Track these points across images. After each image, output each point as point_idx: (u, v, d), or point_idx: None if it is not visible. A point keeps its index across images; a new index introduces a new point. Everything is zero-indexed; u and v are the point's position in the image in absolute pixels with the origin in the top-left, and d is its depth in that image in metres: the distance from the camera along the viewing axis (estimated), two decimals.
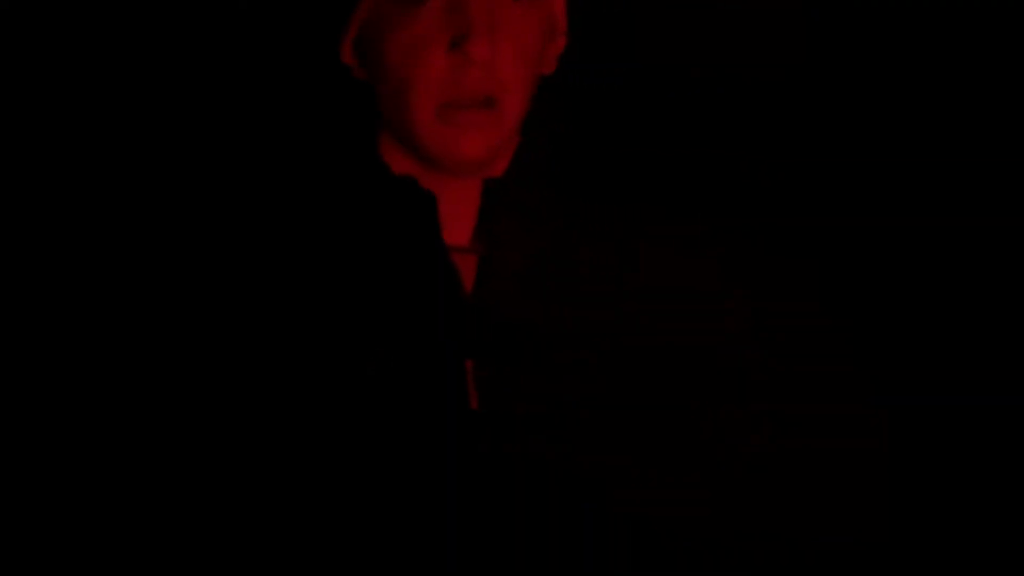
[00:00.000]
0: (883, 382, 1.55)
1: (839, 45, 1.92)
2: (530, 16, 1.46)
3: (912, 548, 1.55)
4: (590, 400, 1.44)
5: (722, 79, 1.92)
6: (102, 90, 1.85)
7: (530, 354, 1.45)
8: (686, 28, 1.94)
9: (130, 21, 1.86)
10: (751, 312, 1.51)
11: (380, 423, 1.43)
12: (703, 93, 1.91)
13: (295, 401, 1.44)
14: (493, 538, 1.42)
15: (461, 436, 1.43)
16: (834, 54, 1.92)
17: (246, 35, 1.84)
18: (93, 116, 1.85)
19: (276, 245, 1.50)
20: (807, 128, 1.92)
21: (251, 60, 1.83)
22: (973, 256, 1.86)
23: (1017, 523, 1.75)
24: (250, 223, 1.52)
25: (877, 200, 1.89)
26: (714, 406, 1.48)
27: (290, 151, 1.59)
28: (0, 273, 1.76)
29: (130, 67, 1.85)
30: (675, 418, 1.46)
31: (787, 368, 1.50)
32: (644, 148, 1.81)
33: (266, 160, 1.59)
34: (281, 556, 1.43)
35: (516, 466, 1.43)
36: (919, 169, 1.90)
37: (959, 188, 1.88)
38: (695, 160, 1.87)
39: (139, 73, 1.86)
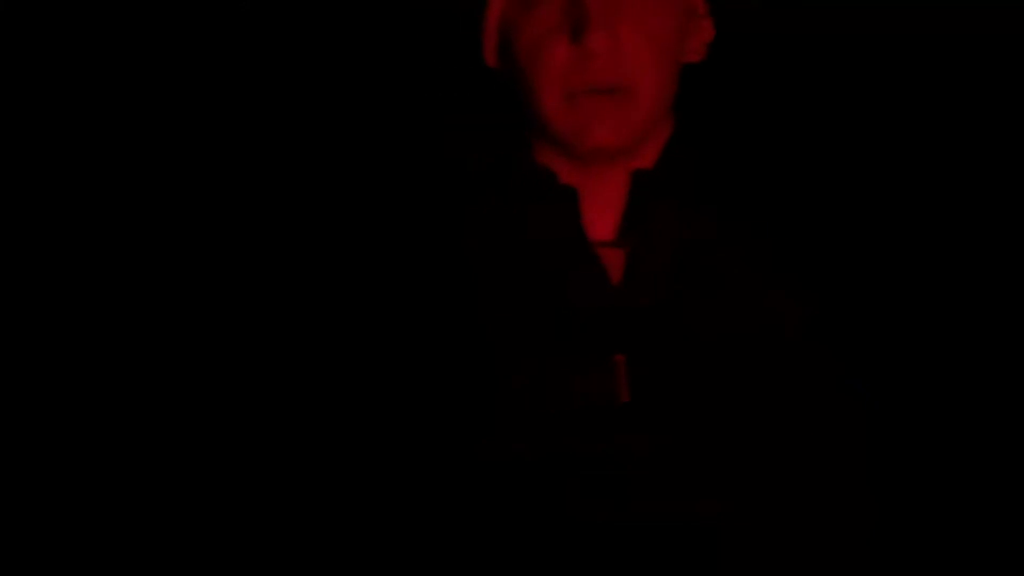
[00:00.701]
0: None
1: None
2: (662, 3, 1.47)
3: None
4: (739, 393, 1.44)
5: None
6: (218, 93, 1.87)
7: (680, 348, 1.45)
8: None
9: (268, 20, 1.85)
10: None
11: (528, 421, 1.43)
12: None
13: (433, 395, 1.45)
14: (643, 530, 1.41)
15: (613, 431, 1.42)
16: None
17: (400, 36, 1.85)
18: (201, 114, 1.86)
19: (422, 241, 1.51)
20: None
21: (405, 60, 1.85)
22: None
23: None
24: (399, 218, 1.53)
25: None
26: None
27: (441, 150, 1.59)
28: (4, 273, 1.76)
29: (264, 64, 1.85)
30: (825, 417, 1.46)
31: None
32: (804, 140, 1.79)
33: (415, 159, 1.59)
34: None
35: (665, 460, 1.42)
36: None
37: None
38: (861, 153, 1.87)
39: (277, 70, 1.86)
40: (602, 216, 1.50)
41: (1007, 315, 1.69)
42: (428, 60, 1.78)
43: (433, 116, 1.77)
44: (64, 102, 1.86)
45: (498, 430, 1.43)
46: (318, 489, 1.45)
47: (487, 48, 1.53)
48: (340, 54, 1.85)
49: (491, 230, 1.50)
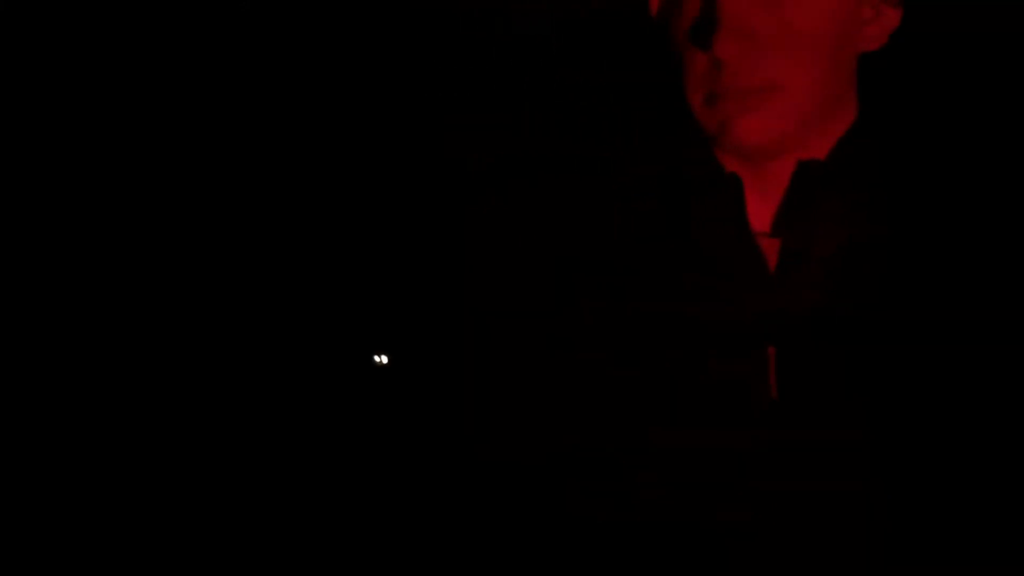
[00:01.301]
0: None
1: None
2: None
3: None
4: (888, 392, 1.40)
5: None
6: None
7: (832, 343, 1.41)
8: None
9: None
10: None
11: (674, 407, 1.41)
12: None
13: (586, 377, 1.43)
14: (785, 522, 1.39)
15: (762, 425, 1.40)
16: None
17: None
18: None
19: (582, 226, 1.49)
20: None
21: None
22: None
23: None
24: (554, 202, 1.50)
25: None
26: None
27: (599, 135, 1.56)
28: (4, 273, 1.75)
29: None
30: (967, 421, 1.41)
31: None
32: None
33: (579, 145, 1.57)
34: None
35: (810, 456, 1.39)
36: None
37: None
38: None
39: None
40: (765, 206, 1.47)
41: None
42: (428, 60, 1.73)
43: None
44: (64, 102, 1.85)
45: (640, 416, 1.41)
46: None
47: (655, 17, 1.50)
48: (340, 54, 1.84)
49: (656, 216, 1.48)
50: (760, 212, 1.46)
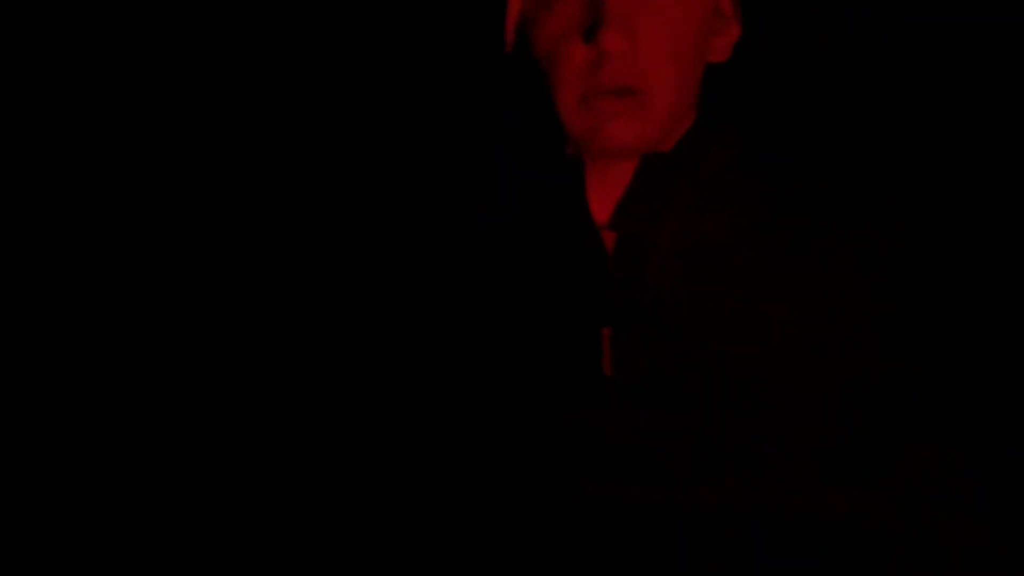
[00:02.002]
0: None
1: None
2: (684, 3, 1.46)
3: None
4: (721, 372, 1.45)
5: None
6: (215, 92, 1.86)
7: (665, 324, 1.46)
8: None
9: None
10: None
11: (512, 387, 1.46)
12: None
13: (429, 371, 1.48)
14: (619, 505, 1.43)
15: (594, 401, 1.44)
16: None
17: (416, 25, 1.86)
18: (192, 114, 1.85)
19: (424, 218, 1.53)
20: None
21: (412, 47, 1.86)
22: None
23: None
24: (401, 198, 1.55)
25: None
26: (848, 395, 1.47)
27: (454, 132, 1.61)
28: (4, 273, 1.76)
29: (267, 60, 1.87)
30: (806, 402, 1.45)
31: None
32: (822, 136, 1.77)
33: (421, 139, 1.62)
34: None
35: (645, 434, 1.43)
36: None
37: None
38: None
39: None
40: (608, 200, 1.51)
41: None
42: (427, 59, 1.77)
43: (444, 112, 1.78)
44: (64, 102, 1.84)
45: (493, 400, 1.45)
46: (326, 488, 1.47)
47: (507, 35, 1.53)
48: (340, 54, 1.86)
49: (500, 201, 1.53)
50: (603, 205, 1.51)
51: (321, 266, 1.52)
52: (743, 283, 1.48)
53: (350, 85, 1.83)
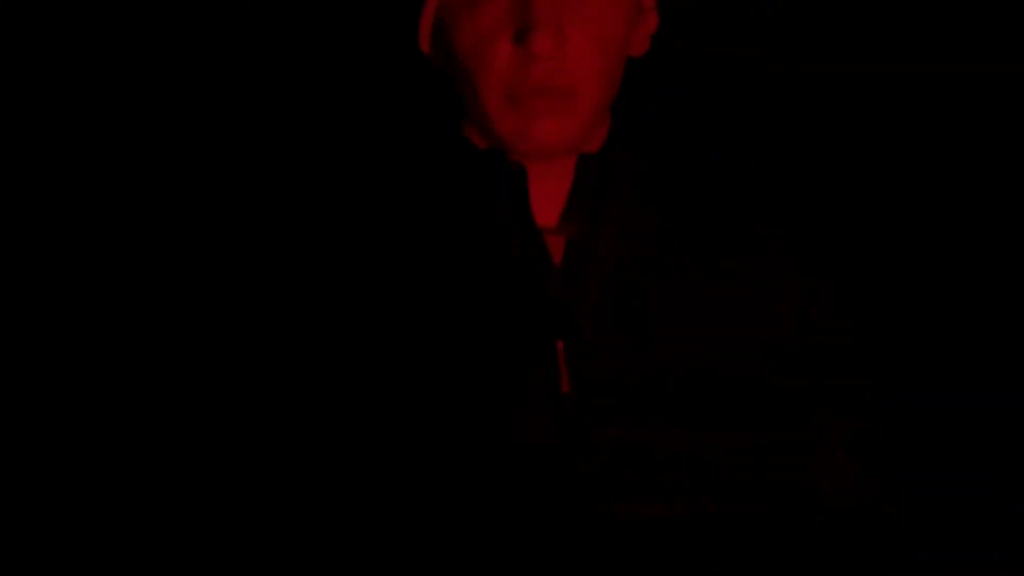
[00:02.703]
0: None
1: None
2: (612, 1, 1.43)
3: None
4: (679, 384, 1.42)
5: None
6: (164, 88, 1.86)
7: (619, 337, 1.42)
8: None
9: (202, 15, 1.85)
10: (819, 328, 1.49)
11: (463, 403, 1.41)
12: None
13: (373, 381, 1.41)
14: (578, 522, 1.39)
15: (552, 418, 1.40)
16: None
17: (328, 26, 1.85)
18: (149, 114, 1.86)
19: (362, 227, 1.48)
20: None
21: (331, 49, 1.84)
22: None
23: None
24: (332, 206, 1.49)
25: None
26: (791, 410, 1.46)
27: (374, 138, 1.57)
28: (2, 273, 1.75)
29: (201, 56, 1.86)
30: (758, 415, 1.44)
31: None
32: (752, 132, 1.78)
33: (348, 147, 1.57)
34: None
35: (603, 450, 1.40)
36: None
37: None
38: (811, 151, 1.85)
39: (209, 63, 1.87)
40: (549, 204, 1.48)
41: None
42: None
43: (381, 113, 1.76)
44: (64, 102, 1.84)
45: (447, 418, 1.40)
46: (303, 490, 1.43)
47: (422, 35, 1.48)
48: (340, 53, 1.85)
49: (432, 214, 1.47)
50: (543, 210, 1.47)
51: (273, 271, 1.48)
52: (687, 286, 1.46)
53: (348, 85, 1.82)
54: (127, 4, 1.84)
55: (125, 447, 1.47)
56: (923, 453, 1.57)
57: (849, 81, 1.91)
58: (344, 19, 1.84)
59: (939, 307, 1.83)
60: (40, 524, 1.54)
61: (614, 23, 1.43)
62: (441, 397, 1.40)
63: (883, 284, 1.66)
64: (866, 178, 1.86)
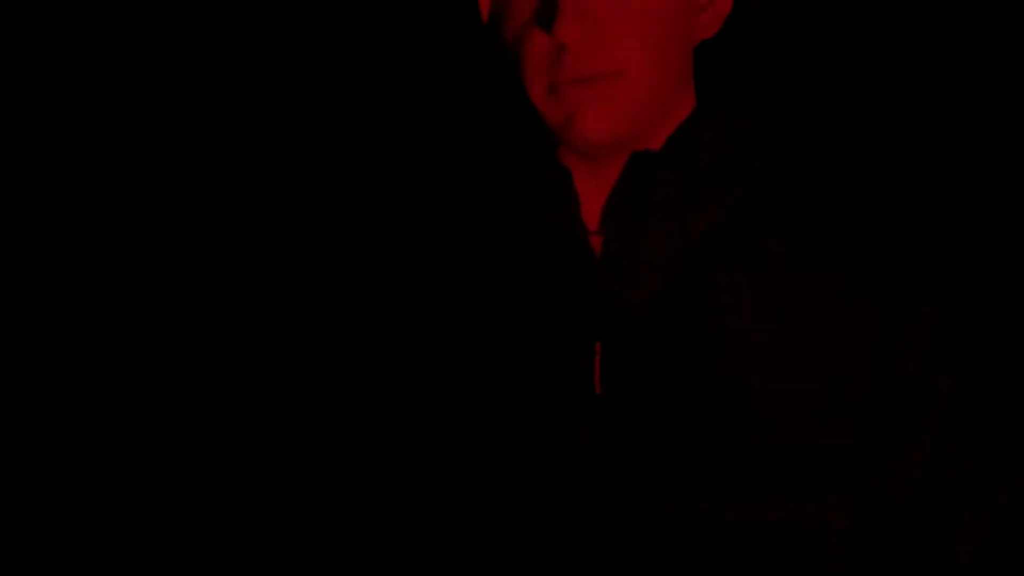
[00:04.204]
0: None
1: None
2: None
3: None
4: (717, 391, 1.38)
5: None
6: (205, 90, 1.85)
7: (656, 340, 1.39)
8: None
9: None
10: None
11: (493, 401, 1.39)
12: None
13: (408, 378, 1.41)
14: (611, 520, 1.37)
15: (584, 420, 1.37)
16: None
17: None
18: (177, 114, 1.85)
19: (407, 220, 1.46)
20: None
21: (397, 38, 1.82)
22: None
23: None
24: (381, 198, 1.48)
25: None
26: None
27: (427, 129, 1.54)
28: (2, 273, 1.75)
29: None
30: (794, 426, 1.39)
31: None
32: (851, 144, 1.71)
33: (389, 140, 1.55)
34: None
35: (638, 451, 1.37)
36: None
37: None
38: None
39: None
40: (600, 203, 1.44)
41: None
42: (426, 59, 1.73)
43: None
44: (64, 102, 1.84)
45: (480, 416, 1.38)
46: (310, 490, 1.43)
47: (483, 16, 1.46)
48: (340, 53, 1.83)
49: (487, 209, 1.45)
50: (593, 209, 1.43)
51: (304, 267, 1.47)
52: (736, 290, 1.41)
53: (342, 83, 1.81)
54: (127, 4, 1.84)
55: (125, 445, 1.48)
56: None
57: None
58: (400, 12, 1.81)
59: None
60: (39, 523, 1.56)
61: (656, 2, 1.38)
62: (471, 395, 1.39)
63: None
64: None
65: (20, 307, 1.69)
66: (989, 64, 1.83)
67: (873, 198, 1.46)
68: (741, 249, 1.42)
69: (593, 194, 1.43)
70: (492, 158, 1.48)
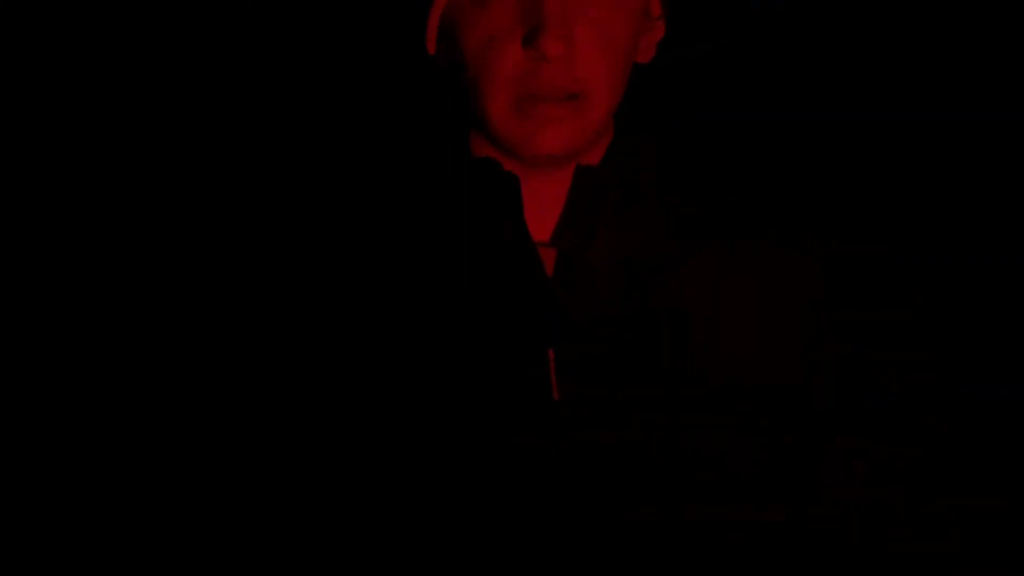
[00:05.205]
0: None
1: None
2: (618, 5, 1.41)
3: None
4: (668, 396, 1.41)
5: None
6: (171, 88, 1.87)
7: (610, 346, 1.42)
8: None
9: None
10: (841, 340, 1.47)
11: (455, 409, 1.41)
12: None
13: (372, 385, 1.42)
14: (564, 528, 1.39)
15: (542, 426, 1.40)
16: None
17: (332, 27, 1.85)
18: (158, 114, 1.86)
19: (352, 232, 1.47)
20: None
21: (336, 49, 1.85)
22: None
23: None
24: (326, 208, 1.49)
25: None
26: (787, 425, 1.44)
27: (371, 142, 1.56)
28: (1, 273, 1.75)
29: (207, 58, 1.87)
30: (751, 422, 1.43)
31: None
32: (760, 143, 1.76)
33: (347, 148, 1.57)
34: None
35: (593, 455, 1.40)
36: None
37: None
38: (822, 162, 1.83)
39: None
40: (546, 213, 1.47)
41: None
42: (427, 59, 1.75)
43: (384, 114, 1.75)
44: (64, 102, 1.84)
45: (436, 424, 1.40)
46: (305, 488, 1.43)
47: (429, 37, 1.47)
48: (339, 53, 1.84)
49: (424, 220, 1.47)
50: (539, 220, 1.47)
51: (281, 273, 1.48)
52: (678, 297, 1.45)
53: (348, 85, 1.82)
54: (127, 4, 1.85)
55: (124, 447, 1.48)
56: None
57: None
58: (345, 20, 1.83)
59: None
60: (38, 523, 1.54)
61: (620, 25, 1.42)
62: (430, 404, 1.40)
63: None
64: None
65: (19, 307, 1.70)
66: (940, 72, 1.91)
67: (810, 203, 1.52)
68: (685, 256, 1.46)
69: (533, 208, 1.46)
70: (437, 167, 1.49)
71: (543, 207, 1.47)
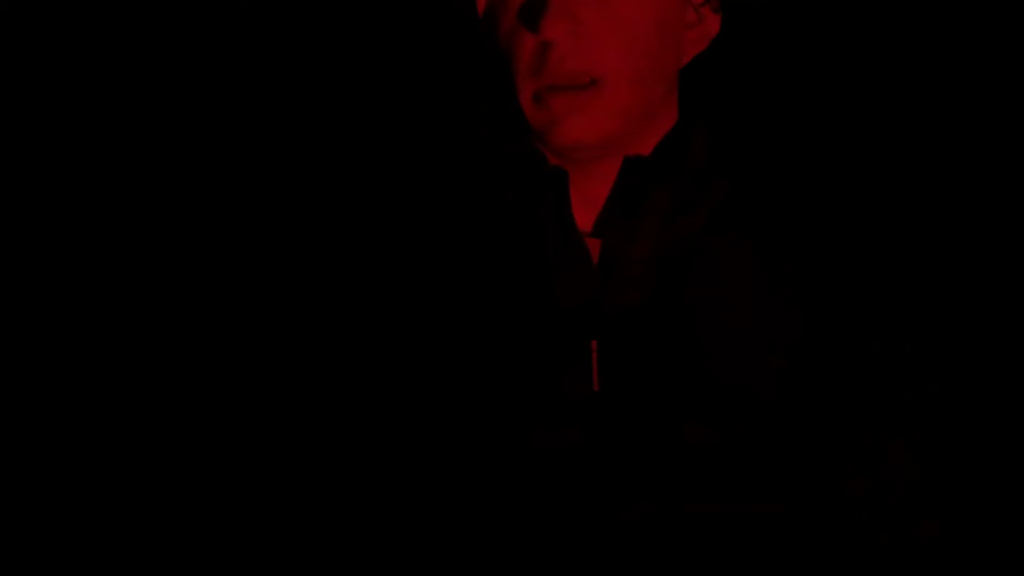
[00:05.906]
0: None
1: None
2: None
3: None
4: (711, 387, 1.41)
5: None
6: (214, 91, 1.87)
7: (651, 337, 1.42)
8: None
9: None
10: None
11: (499, 400, 1.41)
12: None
13: (414, 375, 1.43)
14: (601, 522, 1.39)
15: (582, 418, 1.40)
16: None
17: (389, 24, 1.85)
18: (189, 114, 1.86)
19: (405, 224, 1.48)
20: None
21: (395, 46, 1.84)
22: None
23: None
24: (379, 201, 1.50)
25: None
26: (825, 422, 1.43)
27: (426, 133, 1.57)
28: (4, 273, 1.76)
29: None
30: (791, 419, 1.42)
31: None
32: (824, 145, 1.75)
33: (387, 145, 1.57)
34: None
35: (630, 449, 1.40)
36: None
37: None
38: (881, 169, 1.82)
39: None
40: (589, 206, 1.47)
41: None
42: (426, 59, 1.74)
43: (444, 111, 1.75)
44: (64, 102, 1.85)
45: (481, 419, 1.41)
46: (317, 489, 1.44)
47: (479, 11, 1.48)
48: (339, 53, 1.85)
49: (481, 215, 1.47)
50: (585, 212, 1.46)
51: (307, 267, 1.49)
52: (720, 288, 1.45)
53: (348, 85, 1.82)
54: (127, 4, 1.85)
55: (127, 445, 1.48)
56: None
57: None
58: (390, 17, 1.84)
59: None
60: (38, 523, 1.55)
61: (643, 13, 1.41)
62: (472, 394, 1.41)
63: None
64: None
65: (18, 306, 1.71)
66: (956, 87, 1.89)
67: (838, 204, 1.51)
68: (725, 251, 1.45)
69: (582, 199, 1.46)
70: (487, 159, 1.51)
71: (590, 197, 1.47)
